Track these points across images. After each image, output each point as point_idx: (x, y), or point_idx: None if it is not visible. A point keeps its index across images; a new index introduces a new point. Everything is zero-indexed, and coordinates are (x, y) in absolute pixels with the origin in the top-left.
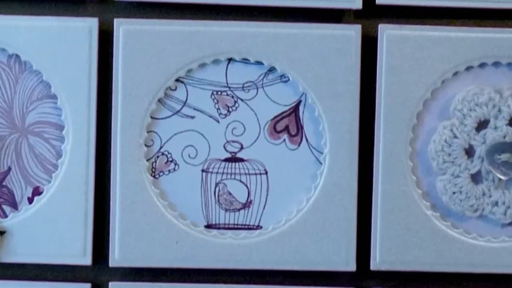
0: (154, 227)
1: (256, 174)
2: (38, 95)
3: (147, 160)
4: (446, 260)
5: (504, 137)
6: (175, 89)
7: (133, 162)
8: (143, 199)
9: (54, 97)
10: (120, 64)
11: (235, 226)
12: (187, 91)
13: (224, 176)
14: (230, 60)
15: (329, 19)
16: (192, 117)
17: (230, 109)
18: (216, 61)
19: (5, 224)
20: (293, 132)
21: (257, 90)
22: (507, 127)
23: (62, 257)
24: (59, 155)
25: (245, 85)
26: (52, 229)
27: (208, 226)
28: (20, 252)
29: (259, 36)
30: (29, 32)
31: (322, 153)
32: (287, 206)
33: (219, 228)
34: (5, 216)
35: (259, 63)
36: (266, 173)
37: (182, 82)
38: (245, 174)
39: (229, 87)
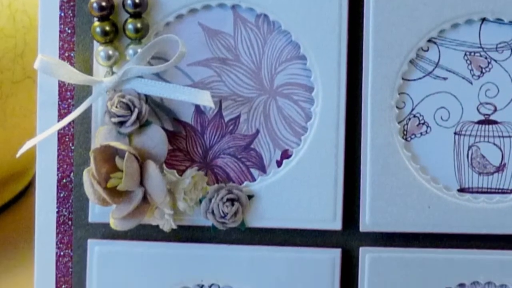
0: (405, 191)
1: (510, 136)
2: (287, 56)
3: (399, 122)
4: None
5: None
6: (427, 50)
7: (384, 125)
8: (394, 162)
9: (303, 58)
10: (371, 24)
11: (489, 190)
12: (439, 52)
13: (477, 139)
14: (483, 20)
15: None
16: (445, 79)
17: (484, 71)
18: (469, 21)
19: (253, 188)
20: None
21: (511, 51)
22: None
23: (311, 222)
24: (308, 117)
25: (498, 45)
26: (301, 193)
27: (461, 190)
28: (268, 216)
29: None
30: None
31: None
32: None
33: (472, 192)
34: (253, 180)
35: None
36: None
37: (434, 42)
38: (499, 136)
39: (483, 48)
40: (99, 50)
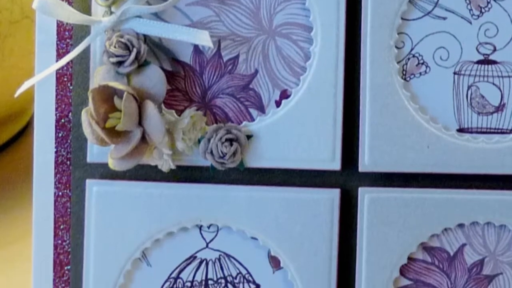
0: (404, 131)
1: (509, 76)
2: None
3: (398, 62)
4: None
5: None
6: None
7: (383, 65)
8: (393, 103)
9: None
10: None
11: (488, 130)
12: None
13: (477, 79)
14: None
15: None
16: (444, 18)
17: (483, 10)
18: None
19: (252, 128)
20: None
21: None
22: None
23: (310, 162)
24: (307, 57)
25: None
26: (300, 134)
27: (460, 130)
28: (267, 156)
29: None
30: None
31: None
32: None
33: (471, 132)
34: (252, 120)
35: None
36: None
37: None
38: (498, 76)
39: None
40: None
